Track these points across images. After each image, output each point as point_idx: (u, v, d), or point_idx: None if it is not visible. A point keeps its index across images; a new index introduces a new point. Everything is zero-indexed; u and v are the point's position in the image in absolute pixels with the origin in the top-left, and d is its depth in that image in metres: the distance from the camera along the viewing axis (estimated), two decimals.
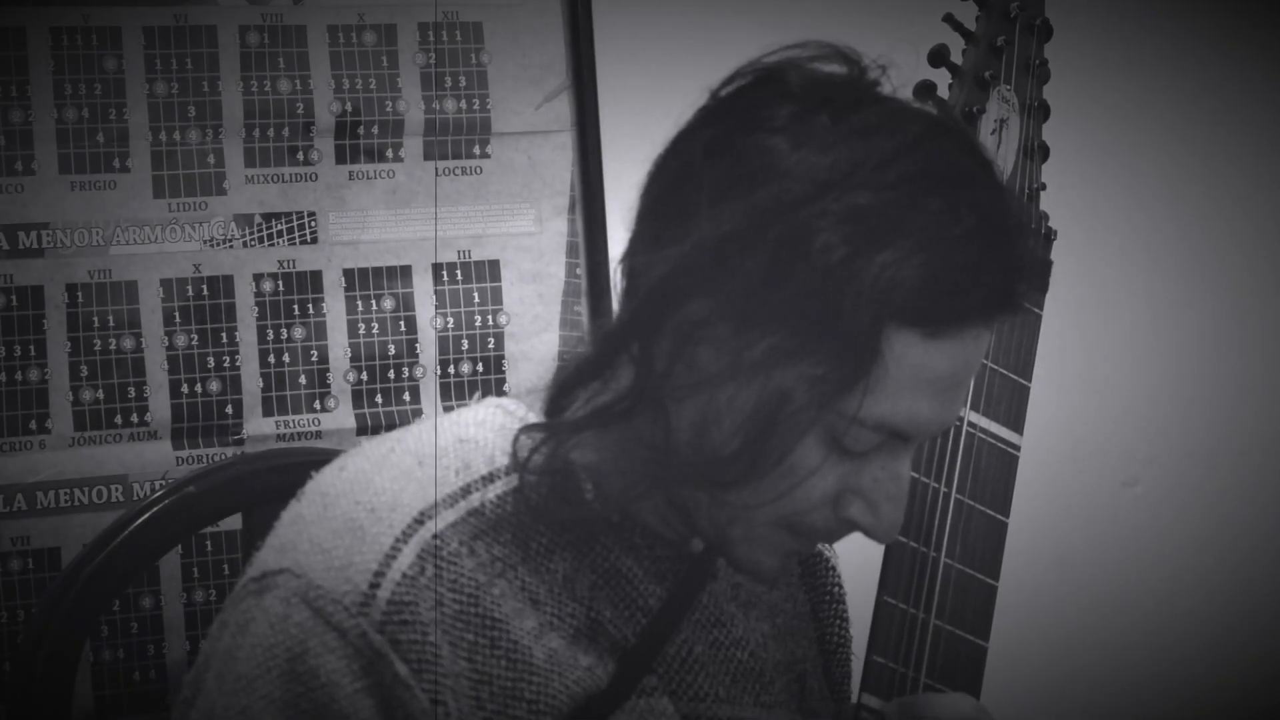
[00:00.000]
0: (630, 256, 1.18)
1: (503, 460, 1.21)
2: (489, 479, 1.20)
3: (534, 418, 1.24)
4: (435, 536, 1.16)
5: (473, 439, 1.22)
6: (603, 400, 1.18)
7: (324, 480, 1.21)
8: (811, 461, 1.14)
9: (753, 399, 1.13)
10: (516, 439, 1.20)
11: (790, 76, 1.15)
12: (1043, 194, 1.42)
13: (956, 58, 1.40)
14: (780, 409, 1.12)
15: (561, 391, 1.20)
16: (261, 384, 1.95)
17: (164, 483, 1.88)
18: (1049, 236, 1.41)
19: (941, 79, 1.38)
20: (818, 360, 1.11)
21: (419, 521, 1.15)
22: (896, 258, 1.09)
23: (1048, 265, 1.40)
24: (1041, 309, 1.38)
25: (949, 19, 1.40)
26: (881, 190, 1.10)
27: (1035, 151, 1.42)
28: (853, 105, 1.14)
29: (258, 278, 1.96)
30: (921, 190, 1.11)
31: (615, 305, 1.22)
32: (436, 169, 2.03)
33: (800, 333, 1.10)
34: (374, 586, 1.13)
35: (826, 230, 1.09)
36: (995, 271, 1.13)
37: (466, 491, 1.19)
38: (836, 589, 1.44)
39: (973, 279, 1.12)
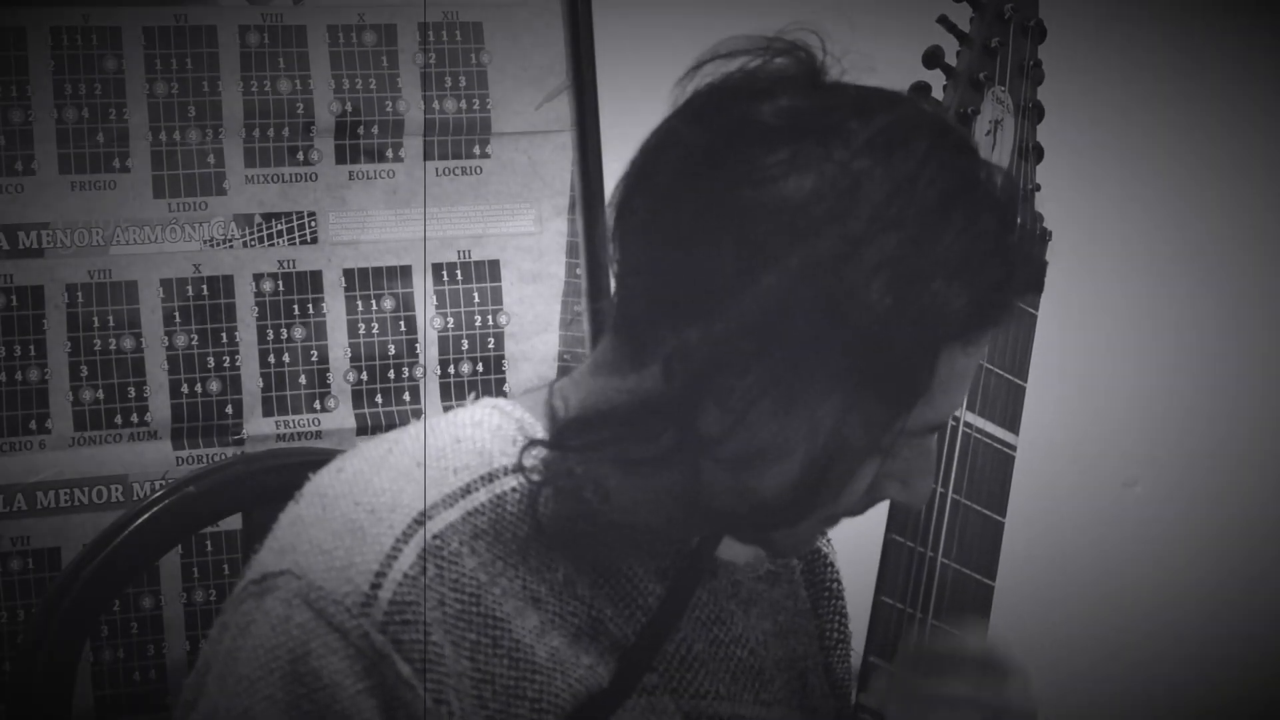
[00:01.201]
0: (629, 315, 1.17)
1: (501, 460, 1.21)
2: (488, 479, 1.20)
3: (530, 419, 1.24)
4: (425, 532, 1.16)
5: (470, 439, 1.22)
6: (630, 445, 1.16)
7: (322, 482, 1.21)
8: (864, 477, 1.17)
9: (808, 448, 1.14)
10: (523, 453, 1.19)
11: (760, 112, 1.12)
12: (1037, 195, 1.42)
13: (951, 59, 1.40)
14: (841, 454, 1.14)
15: (586, 438, 1.18)
16: (261, 384, 1.96)
17: (164, 483, 1.88)
18: (1044, 237, 1.41)
19: (936, 80, 1.38)
20: (878, 401, 1.12)
21: (419, 522, 1.16)
22: (939, 288, 1.10)
23: (1043, 266, 1.40)
24: (1037, 309, 1.39)
25: (943, 20, 1.40)
26: (907, 226, 1.10)
27: (1030, 152, 1.42)
28: (837, 124, 1.12)
29: (258, 278, 1.96)
30: (942, 212, 1.11)
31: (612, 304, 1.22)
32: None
33: (862, 383, 1.11)
34: (375, 587, 1.13)
35: (871, 282, 1.09)
36: (1018, 272, 1.15)
37: (466, 491, 1.19)
38: (835, 585, 1.44)
39: (1005, 286, 1.14)
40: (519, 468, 1.19)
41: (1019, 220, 1.16)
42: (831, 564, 1.44)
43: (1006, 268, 1.13)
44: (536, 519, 1.19)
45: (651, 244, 1.15)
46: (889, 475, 1.19)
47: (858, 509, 1.22)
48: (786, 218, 1.10)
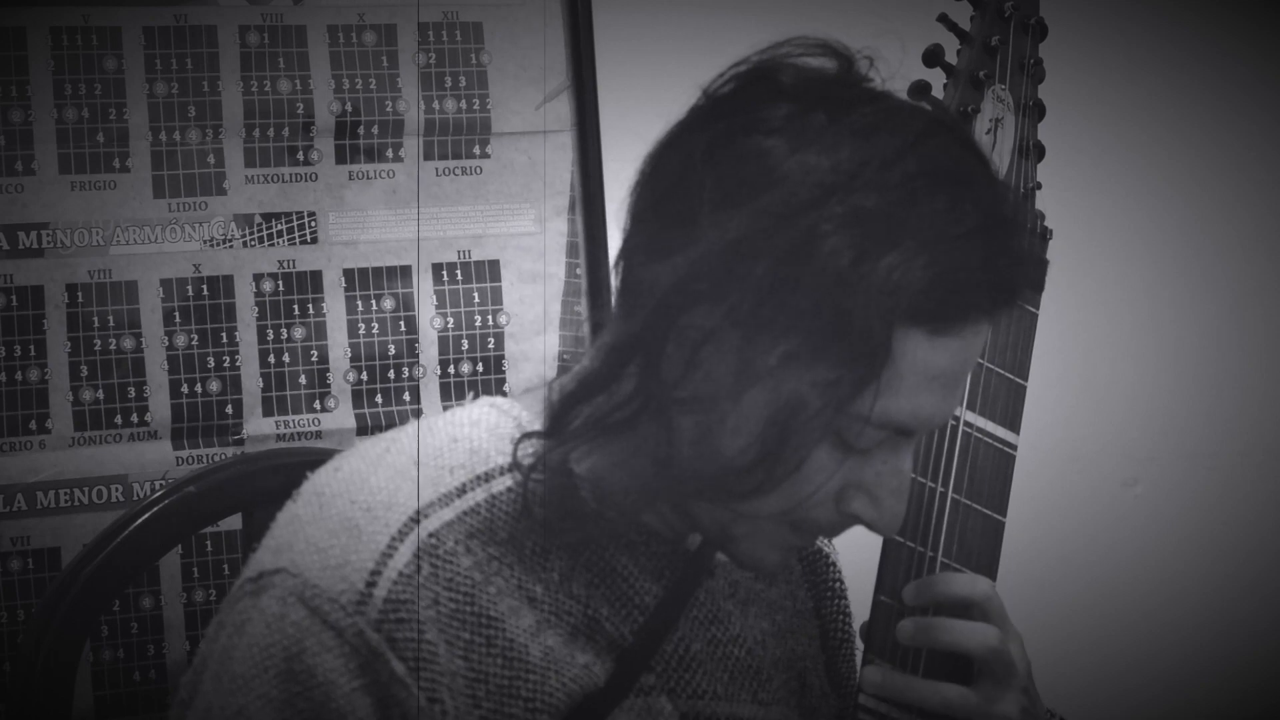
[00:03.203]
0: (627, 258, 1.18)
1: (498, 459, 1.21)
2: (484, 478, 1.20)
3: (528, 417, 1.24)
4: (418, 528, 1.16)
5: (467, 438, 1.22)
6: (605, 410, 1.17)
7: (319, 480, 1.21)
8: (825, 465, 1.15)
9: (766, 408, 1.13)
10: (517, 446, 1.20)
11: (783, 75, 1.15)
12: (1038, 193, 1.42)
13: (951, 57, 1.40)
14: (795, 416, 1.12)
15: (566, 406, 1.19)
16: (261, 384, 1.96)
17: (164, 483, 1.88)
18: (1045, 235, 1.41)
19: (936, 79, 1.38)
20: (831, 364, 1.11)
21: (415, 520, 1.16)
22: (903, 259, 1.10)
23: (1044, 264, 1.40)
24: (1037, 308, 1.38)
25: (943, 19, 1.40)
26: (885, 191, 1.10)
27: (1030, 150, 1.42)
28: (849, 103, 1.14)
29: (258, 278, 1.96)
30: (924, 189, 1.11)
31: (613, 307, 1.22)
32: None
33: (812, 337, 1.11)
34: (370, 585, 1.13)
35: (832, 234, 1.09)
36: (998, 268, 1.14)
37: (462, 490, 1.19)
38: (838, 584, 1.44)
39: (976, 277, 1.13)
40: (513, 465, 1.19)
41: (1013, 229, 1.15)
42: (834, 563, 1.44)
43: (982, 260, 1.12)
44: (532, 517, 1.19)
45: (654, 190, 1.17)
46: (858, 486, 1.18)
47: (827, 525, 1.20)
48: (769, 163, 1.11)
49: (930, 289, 1.10)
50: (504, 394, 1.96)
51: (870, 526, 1.21)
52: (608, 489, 1.20)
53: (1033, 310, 1.38)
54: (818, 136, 1.12)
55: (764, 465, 1.13)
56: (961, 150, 1.15)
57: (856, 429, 1.14)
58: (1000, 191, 1.16)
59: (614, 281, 1.19)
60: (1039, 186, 1.42)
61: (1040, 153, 1.43)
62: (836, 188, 1.10)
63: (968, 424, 1.35)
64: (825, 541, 1.43)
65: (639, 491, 1.20)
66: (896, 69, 1.19)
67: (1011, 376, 1.37)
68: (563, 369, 2.06)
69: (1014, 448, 1.35)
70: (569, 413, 1.19)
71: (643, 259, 1.16)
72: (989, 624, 1.28)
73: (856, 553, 1.45)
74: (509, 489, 1.20)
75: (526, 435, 1.20)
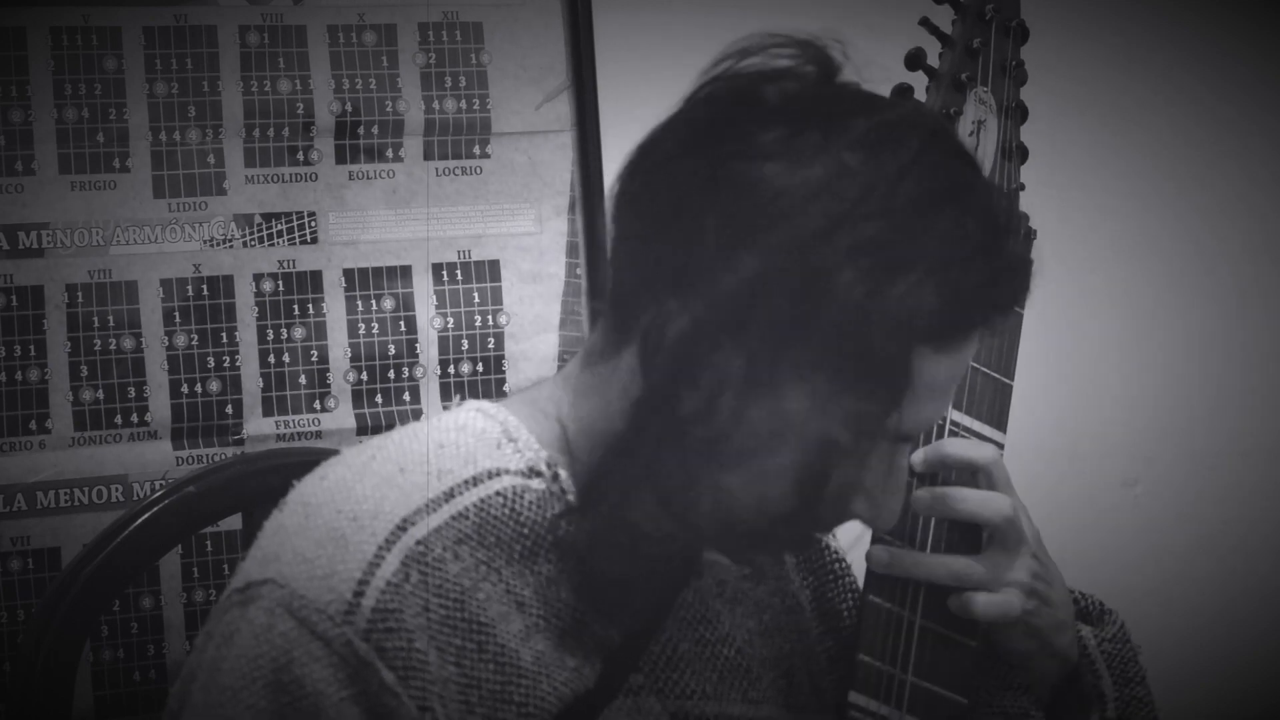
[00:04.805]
0: (619, 275, 1.18)
1: (485, 464, 1.21)
2: (471, 483, 1.20)
3: (515, 422, 1.23)
4: (406, 533, 1.15)
5: (453, 443, 1.22)
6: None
7: (305, 490, 1.21)
8: (836, 481, 1.16)
9: (798, 450, 1.14)
10: (561, 522, 1.19)
11: (766, 91, 1.14)
12: (1022, 194, 1.42)
13: (933, 61, 1.40)
14: (829, 456, 1.13)
15: (603, 480, 1.18)
16: (261, 384, 1.96)
17: (164, 483, 1.88)
18: (1029, 236, 1.41)
19: (918, 82, 1.38)
20: (856, 397, 1.12)
21: (402, 528, 1.15)
22: (912, 287, 1.10)
23: (1028, 265, 1.40)
24: (1023, 308, 1.38)
25: (925, 22, 1.40)
26: (891, 216, 1.10)
27: (1014, 152, 1.42)
28: (841, 117, 1.13)
29: (258, 278, 1.96)
30: (927, 210, 1.11)
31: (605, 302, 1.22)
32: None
33: (836, 374, 1.11)
34: (358, 595, 1.12)
35: (845, 266, 1.09)
36: (1001, 282, 1.15)
37: (449, 496, 1.18)
38: (839, 566, 1.44)
39: (983, 293, 1.13)
40: (562, 548, 1.19)
41: (1009, 236, 1.15)
42: (828, 546, 1.43)
43: (988, 275, 1.13)
44: (520, 522, 1.19)
45: (643, 213, 1.16)
46: (855, 487, 1.18)
47: (824, 522, 1.21)
48: (770, 195, 1.10)
49: (940, 311, 1.11)
50: (504, 394, 1.97)
51: (868, 524, 1.22)
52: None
53: (1019, 310, 1.38)
54: (815, 158, 1.11)
55: (808, 510, 1.15)
56: (957, 160, 1.16)
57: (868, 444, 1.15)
58: (995, 198, 1.17)
59: (597, 310, 1.19)
60: (1023, 188, 1.42)
61: (1023, 154, 1.43)
62: (843, 219, 1.10)
63: (954, 423, 1.35)
64: None
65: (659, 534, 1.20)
66: (871, 57, 1.18)
67: (998, 376, 1.37)
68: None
69: (1000, 447, 1.35)
70: (608, 485, 1.18)
71: (644, 289, 1.15)
72: (999, 491, 1.30)
73: (851, 555, 1.45)
74: (497, 494, 1.19)
75: (568, 513, 1.20)
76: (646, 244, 1.16)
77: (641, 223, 1.16)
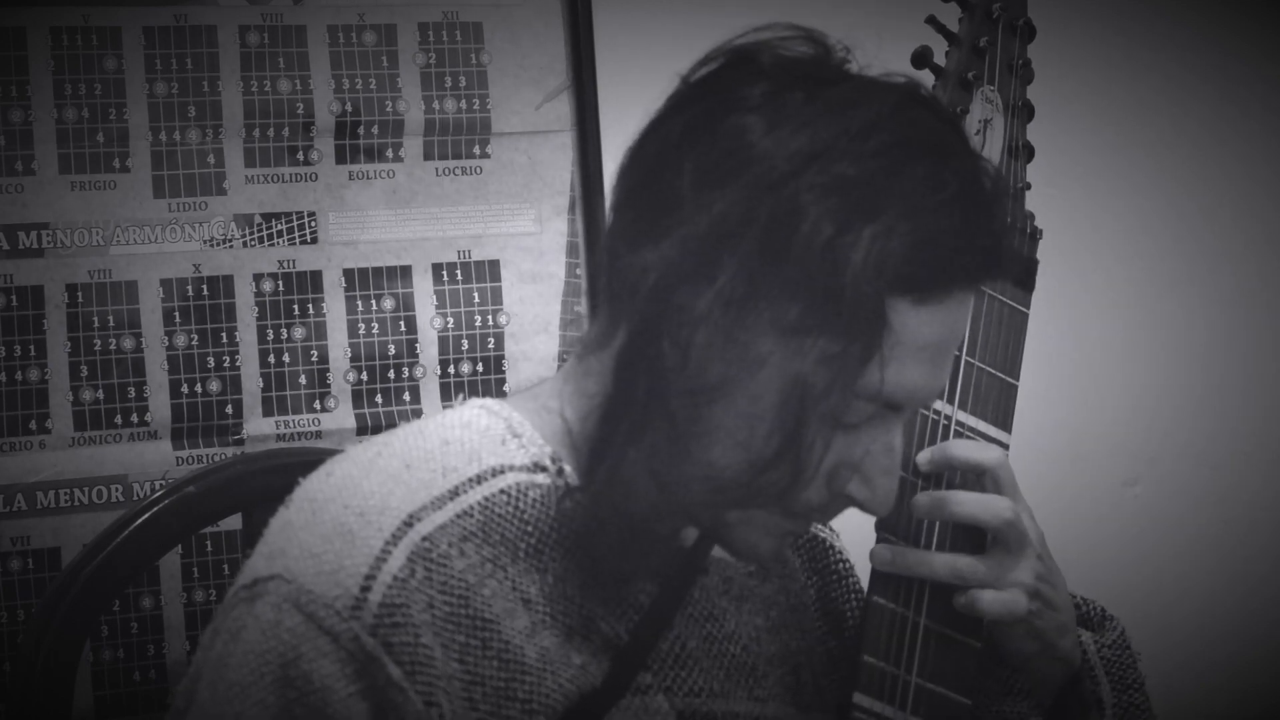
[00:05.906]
0: (611, 250, 1.18)
1: (490, 461, 1.21)
2: (477, 480, 1.20)
3: (519, 418, 1.24)
4: (412, 528, 1.16)
5: (459, 440, 1.22)
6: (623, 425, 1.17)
7: (312, 486, 1.21)
8: (820, 446, 1.15)
9: (776, 394, 1.13)
10: (563, 506, 1.20)
11: (761, 56, 1.16)
12: (1028, 193, 1.42)
13: (940, 59, 1.40)
14: (805, 398, 1.12)
15: (604, 448, 1.18)
16: (261, 384, 1.96)
17: (164, 483, 1.88)
18: (1035, 236, 1.41)
19: (925, 80, 1.38)
20: (830, 338, 1.12)
21: (408, 524, 1.15)
22: (884, 229, 1.11)
23: (1034, 264, 1.40)
24: (1028, 308, 1.38)
25: (932, 21, 1.40)
26: (863, 160, 1.11)
27: (1020, 151, 1.42)
28: (825, 81, 1.15)
29: (258, 278, 1.96)
30: (902, 158, 1.12)
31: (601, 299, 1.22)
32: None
33: (806, 312, 1.11)
34: (365, 590, 1.13)
35: (813, 206, 1.10)
36: (979, 235, 1.15)
37: (455, 493, 1.18)
38: (842, 566, 1.44)
39: (958, 244, 1.13)
40: (560, 527, 1.19)
41: (991, 198, 1.15)
42: (832, 546, 1.44)
43: (961, 227, 1.13)
44: (525, 519, 1.19)
45: (633, 186, 1.18)
46: (849, 466, 1.18)
47: (820, 507, 1.20)
48: (748, 139, 1.12)
49: (912, 257, 1.11)
50: (504, 394, 1.96)
51: (863, 507, 1.22)
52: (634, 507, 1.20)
53: (1024, 310, 1.38)
54: (796, 112, 1.13)
55: (790, 456, 1.13)
56: (939, 122, 1.16)
57: (849, 403, 1.14)
58: (978, 161, 1.17)
59: (593, 277, 1.19)
60: (1028, 187, 1.42)
61: (1029, 153, 1.43)
62: (815, 158, 1.11)
63: (959, 424, 1.34)
64: (821, 526, 1.42)
65: (644, 511, 1.19)
66: (874, 57, 1.19)
67: (1003, 376, 1.37)
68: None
69: (1005, 447, 1.35)
70: (607, 454, 1.18)
71: (626, 248, 1.16)
72: (1001, 494, 1.30)
73: (852, 555, 1.45)
74: (502, 491, 1.20)
75: (570, 493, 1.20)
76: (634, 206, 1.17)
77: (629, 187, 1.18)
